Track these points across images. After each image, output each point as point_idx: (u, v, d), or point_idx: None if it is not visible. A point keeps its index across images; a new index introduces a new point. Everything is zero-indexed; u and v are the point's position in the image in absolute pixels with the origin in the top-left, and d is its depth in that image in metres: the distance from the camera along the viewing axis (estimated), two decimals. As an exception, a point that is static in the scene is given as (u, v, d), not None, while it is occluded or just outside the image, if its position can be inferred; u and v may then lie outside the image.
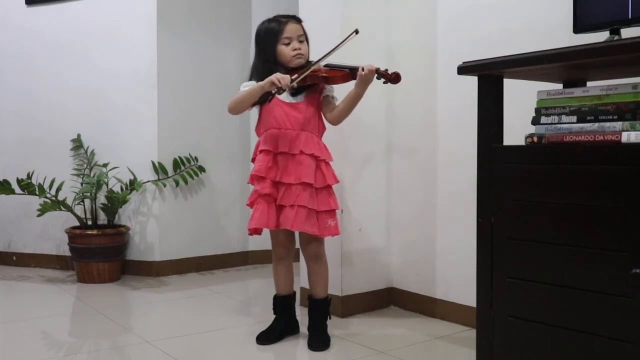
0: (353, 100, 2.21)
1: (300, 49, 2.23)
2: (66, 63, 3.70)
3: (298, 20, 2.28)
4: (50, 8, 3.73)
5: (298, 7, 2.78)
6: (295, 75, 2.13)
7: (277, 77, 2.09)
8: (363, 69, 2.14)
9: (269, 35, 2.24)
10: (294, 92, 2.24)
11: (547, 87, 1.60)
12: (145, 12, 3.52)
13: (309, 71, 2.15)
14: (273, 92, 2.12)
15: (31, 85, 3.80)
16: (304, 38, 2.26)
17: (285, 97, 2.23)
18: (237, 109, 2.24)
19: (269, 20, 2.28)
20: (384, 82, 2.18)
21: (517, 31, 2.24)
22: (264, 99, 2.20)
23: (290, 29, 2.23)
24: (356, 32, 2.13)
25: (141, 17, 3.53)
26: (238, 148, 3.86)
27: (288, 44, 2.22)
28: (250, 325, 2.54)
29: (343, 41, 2.14)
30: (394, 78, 2.15)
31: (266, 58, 2.24)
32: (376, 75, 2.16)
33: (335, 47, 2.14)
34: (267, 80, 2.11)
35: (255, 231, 2.22)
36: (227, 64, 3.79)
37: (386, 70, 2.17)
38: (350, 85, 2.21)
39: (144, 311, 2.91)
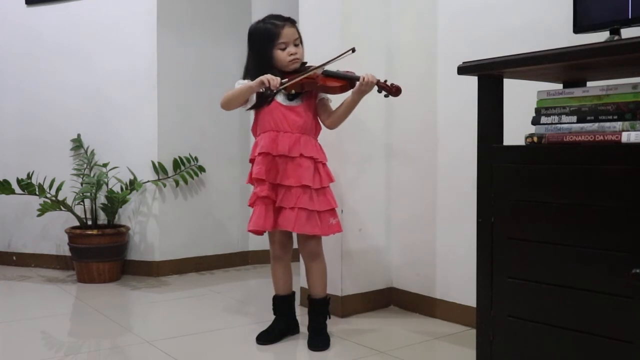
0: (349, 108, 2.25)
1: (296, 53, 2.22)
2: (66, 63, 3.70)
3: (293, 23, 2.25)
4: (50, 8, 3.73)
5: (298, 7, 2.78)
6: (286, 80, 2.13)
7: (267, 77, 2.09)
8: (363, 79, 2.14)
9: (265, 39, 2.22)
10: (291, 97, 2.23)
11: (547, 87, 1.60)
12: (145, 12, 3.52)
13: (301, 78, 2.15)
14: (262, 91, 2.13)
15: (31, 85, 3.80)
16: (299, 41, 2.25)
17: (283, 100, 2.23)
18: (228, 105, 2.24)
19: (263, 22, 2.25)
20: (385, 96, 2.19)
21: (517, 31, 2.24)
22: (261, 103, 2.22)
23: (287, 33, 2.21)
24: (353, 50, 2.13)
25: (141, 17, 3.53)
26: (238, 148, 3.86)
27: (284, 49, 2.21)
28: (250, 325, 2.54)
29: (339, 56, 2.13)
30: (395, 91, 2.16)
31: (261, 61, 2.23)
32: (376, 87, 2.16)
33: (330, 60, 2.15)
34: (256, 80, 2.11)
35: (255, 232, 2.23)
36: (227, 63, 3.78)
37: (385, 81, 2.17)
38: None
39: (144, 311, 2.90)
